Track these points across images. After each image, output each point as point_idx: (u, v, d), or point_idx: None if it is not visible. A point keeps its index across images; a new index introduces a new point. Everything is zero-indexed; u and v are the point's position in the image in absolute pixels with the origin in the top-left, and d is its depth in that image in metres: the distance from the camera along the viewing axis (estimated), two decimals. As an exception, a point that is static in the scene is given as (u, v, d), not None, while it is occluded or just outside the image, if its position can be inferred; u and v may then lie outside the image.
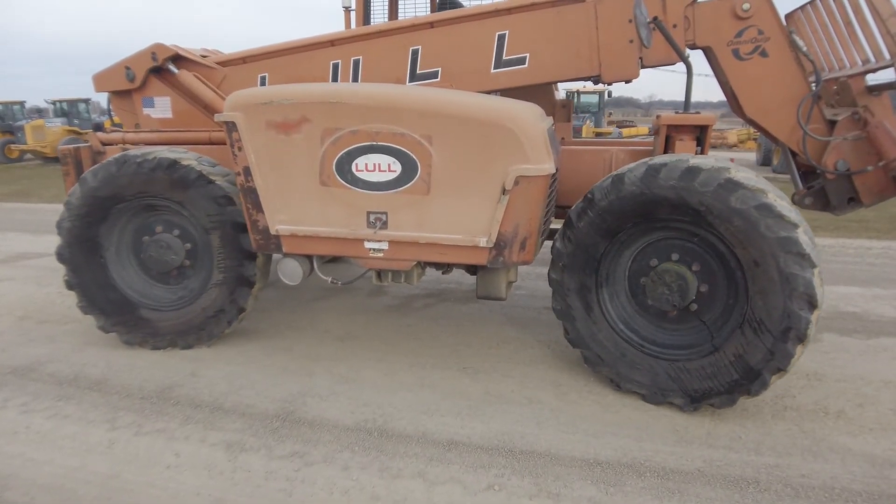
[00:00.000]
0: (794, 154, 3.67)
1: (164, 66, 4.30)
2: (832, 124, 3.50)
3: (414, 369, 3.53)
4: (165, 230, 3.73)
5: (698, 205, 2.72)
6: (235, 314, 3.71)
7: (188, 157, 3.63)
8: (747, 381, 2.79)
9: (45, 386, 3.39)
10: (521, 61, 3.76)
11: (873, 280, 5.30)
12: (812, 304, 2.62)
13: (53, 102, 21.56)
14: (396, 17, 5.08)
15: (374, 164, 3.06)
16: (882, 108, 3.38)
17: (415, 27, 3.88)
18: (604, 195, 2.92)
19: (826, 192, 3.62)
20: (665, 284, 2.93)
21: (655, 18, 3.20)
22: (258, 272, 3.66)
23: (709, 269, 2.96)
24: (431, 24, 3.86)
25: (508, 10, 3.73)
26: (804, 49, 3.43)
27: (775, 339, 2.69)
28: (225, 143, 4.05)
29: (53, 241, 7.16)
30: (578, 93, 20.87)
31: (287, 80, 4.10)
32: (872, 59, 3.35)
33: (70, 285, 3.80)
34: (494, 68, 3.80)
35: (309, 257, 3.51)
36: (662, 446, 2.73)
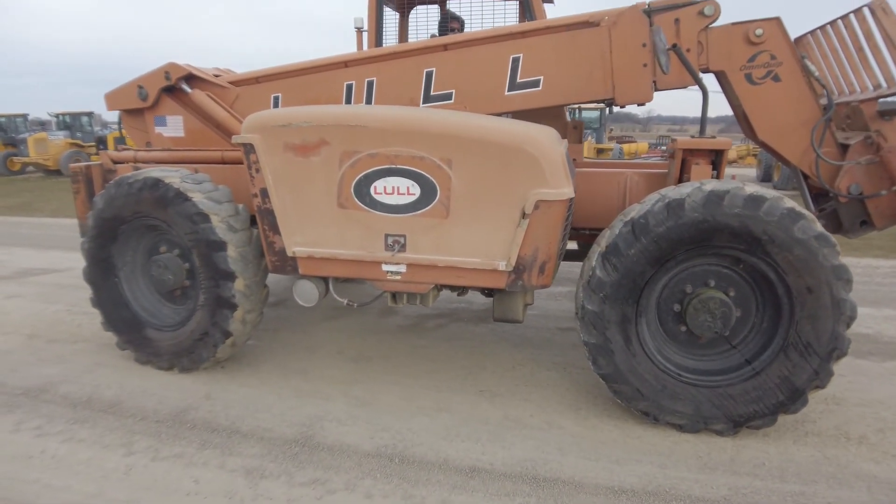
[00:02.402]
0: (805, 176, 3.70)
1: (177, 86, 4.33)
2: (844, 148, 3.53)
3: (430, 392, 3.51)
4: (168, 250, 3.71)
5: (762, 233, 2.73)
6: (221, 338, 3.53)
7: (172, 175, 3.53)
8: (791, 401, 2.87)
9: (58, 408, 3.36)
10: (535, 84, 3.79)
11: (883, 300, 5.31)
12: (849, 325, 2.75)
13: (56, 115, 21.63)
14: (406, 39, 5.12)
15: (393, 187, 3.06)
16: (894, 132, 3.41)
17: (429, 49, 3.91)
18: (660, 221, 2.81)
19: (838, 214, 3.64)
20: (709, 311, 2.91)
21: (675, 45, 3.23)
22: (238, 294, 3.45)
23: (743, 295, 2.98)
24: (445, 47, 3.89)
25: (523, 34, 3.77)
26: (816, 74, 3.46)
27: (822, 360, 2.79)
28: (238, 163, 4.10)
29: (59, 256, 7.26)
30: (580, 108, 20.98)
31: (300, 100, 4.12)
32: (884, 84, 3.39)
33: (93, 303, 3.85)
34: (508, 91, 3.82)
35: (324, 279, 3.50)
36: (687, 473, 2.71)
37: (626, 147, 21.79)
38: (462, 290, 3.52)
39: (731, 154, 21.76)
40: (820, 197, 3.83)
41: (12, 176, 19.76)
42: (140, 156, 4.35)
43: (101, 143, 19.38)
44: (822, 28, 3.74)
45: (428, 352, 4.14)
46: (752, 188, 2.80)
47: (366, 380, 3.68)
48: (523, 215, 2.92)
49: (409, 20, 5.11)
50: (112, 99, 4.59)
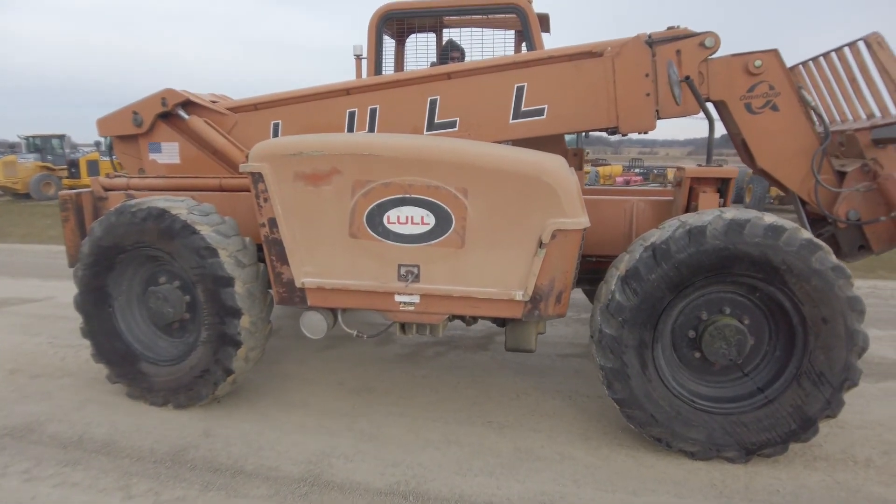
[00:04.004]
0: (803, 202, 3.79)
1: (173, 112, 4.24)
2: (840, 175, 3.64)
3: (437, 424, 3.43)
4: (168, 281, 3.58)
5: (780, 263, 2.76)
6: (222, 376, 3.42)
7: (179, 205, 3.42)
8: (803, 429, 2.89)
9: (47, 449, 3.17)
10: (539, 112, 3.82)
11: (869, 322, 5.41)
12: (861, 356, 2.80)
13: (26, 138, 21.06)
14: (403, 66, 5.14)
15: (407, 217, 3.02)
16: (890, 160, 3.52)
17: (433, 77, 3.92)
18: (681, 247, 2.83)
19: (837, 239, 3.73)
20: (724, 339, 2.92)
21: (688, 77, 3.30)
22: (243, 332, 3.34)
23: (757, 323, 3.01)
24: (449, 75, 3.90)
25: (526, 63, 3.81)
26: (813, 104, 3.58)
27: (834, 389, 2.83)
28: (237, 191, 4.01)
29: (36, 285, 7.00)
30: (556, 132, 21.27)
31: (301, 127, 4.07)
32: (878, 113, 3.51)
33: (84, 333, 3.68)
34: (513, 119, 3.85)
35: (333, 310, 3.42)
36: (704, 502, 2.69)
37: (601, 170, 22.20)
38: (473, 319, 3.48)
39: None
40: (818, 222, 3.92)
41: (-22, 199, 19.15)
42: (133, 183, 4.22)
43: (73, 166, 18.93)
44: (814, 59, 3.87)
45: (430, 381, 4.07)
46: (772, 217, 2.84)
47: (370, 412, 3.59)
48: (540, 245, 2.91)
49: (406, 48, 5.14)
50: (104, 124, 4.47)
